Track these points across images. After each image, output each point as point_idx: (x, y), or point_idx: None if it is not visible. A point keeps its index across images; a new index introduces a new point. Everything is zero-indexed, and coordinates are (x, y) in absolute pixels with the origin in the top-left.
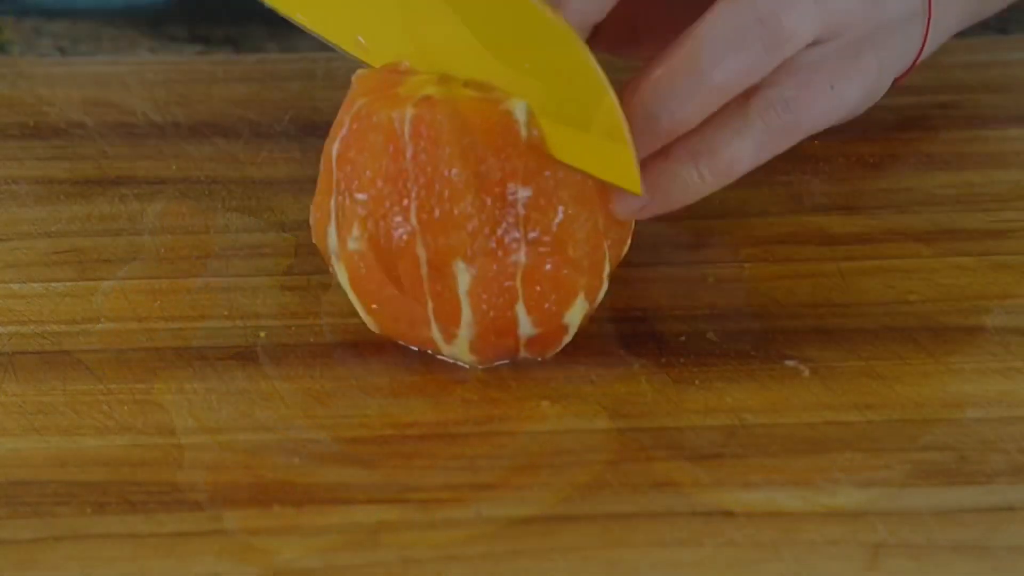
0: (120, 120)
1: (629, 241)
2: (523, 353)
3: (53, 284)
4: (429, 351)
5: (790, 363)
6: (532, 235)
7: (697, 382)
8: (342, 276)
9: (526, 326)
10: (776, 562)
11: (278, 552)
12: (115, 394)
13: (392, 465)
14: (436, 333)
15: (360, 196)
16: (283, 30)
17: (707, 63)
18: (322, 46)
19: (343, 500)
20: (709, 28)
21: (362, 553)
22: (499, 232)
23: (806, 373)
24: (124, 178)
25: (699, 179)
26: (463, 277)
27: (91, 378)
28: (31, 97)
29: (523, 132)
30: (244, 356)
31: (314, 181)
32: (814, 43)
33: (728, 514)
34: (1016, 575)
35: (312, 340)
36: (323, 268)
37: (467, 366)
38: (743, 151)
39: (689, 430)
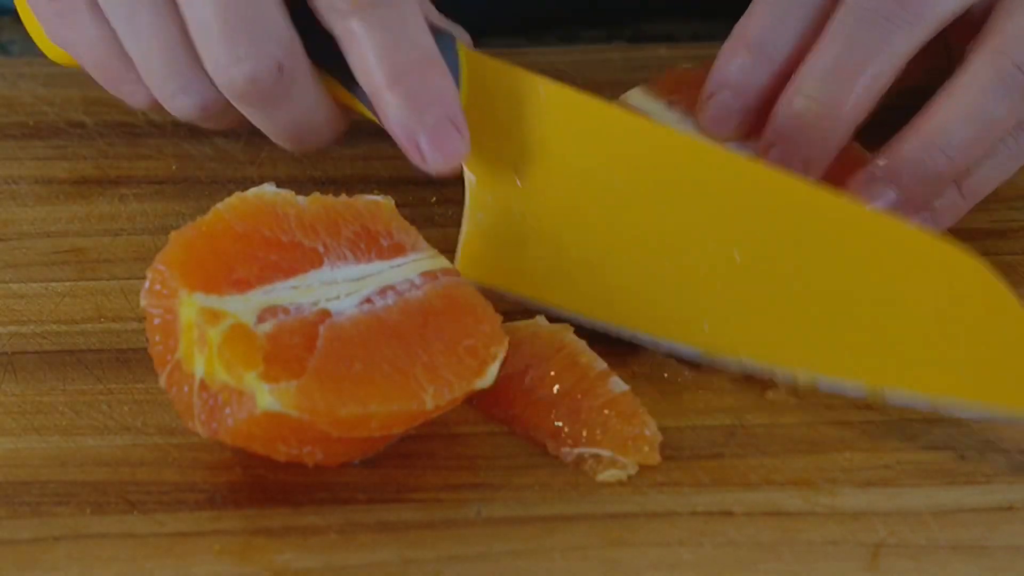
0: (120, 120)
1: None
2: None
3: (53, 284)
4: None
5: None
6: None
7: (697, 382)
8: None
9: None
10: (776, 562)
11: (278, 552)
12: (115, 394)
13: (392, 465)
14: None
15: None
16: None
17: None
18: None
19: (343, 500)
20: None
21: (362, 553)
22: None
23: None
24: (124, 178)
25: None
26: None
27: (91, 378)
28: (31, 97)
29: None
30: None
31: (314, 181)
32: None
33: (728, 514)
34: (1015, 574)
35: None
36: None
37: None
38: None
39: (689, 430)
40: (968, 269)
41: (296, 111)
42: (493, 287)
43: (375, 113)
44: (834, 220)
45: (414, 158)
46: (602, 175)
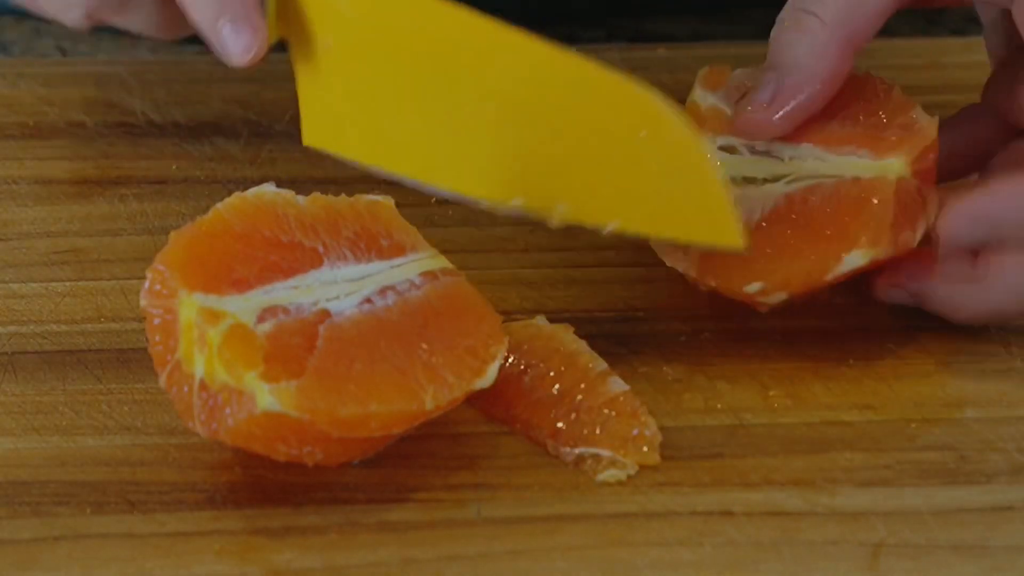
0: (120, 120)
1: None
2: None
3: (53, 284)
4: None
5: (789, 363)
6: None
7: (697, 382)
8: None
9: None
10: (776, 562)
11: (278, 552)
12: (115, 394)
13: (392, 465)
14: None
15: None
16: None
17: None
18: None
19: (343, 500)
20: None
21: (362, 553)
22: None
23: (806, 373)
24: (124, 178)
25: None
26: None
27: (91, 378)
28: (31, 97)
29: None
30: None
31: (314, 181)
32: None
33: (728, 514)
34: (1016, 574)
35: None
36: None
37: None
38: None
39: (689, 430)
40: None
41: (138, 21)
42: (333, 153)
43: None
44: (552, 72)
45: (220, 55)
46: (387, 42)
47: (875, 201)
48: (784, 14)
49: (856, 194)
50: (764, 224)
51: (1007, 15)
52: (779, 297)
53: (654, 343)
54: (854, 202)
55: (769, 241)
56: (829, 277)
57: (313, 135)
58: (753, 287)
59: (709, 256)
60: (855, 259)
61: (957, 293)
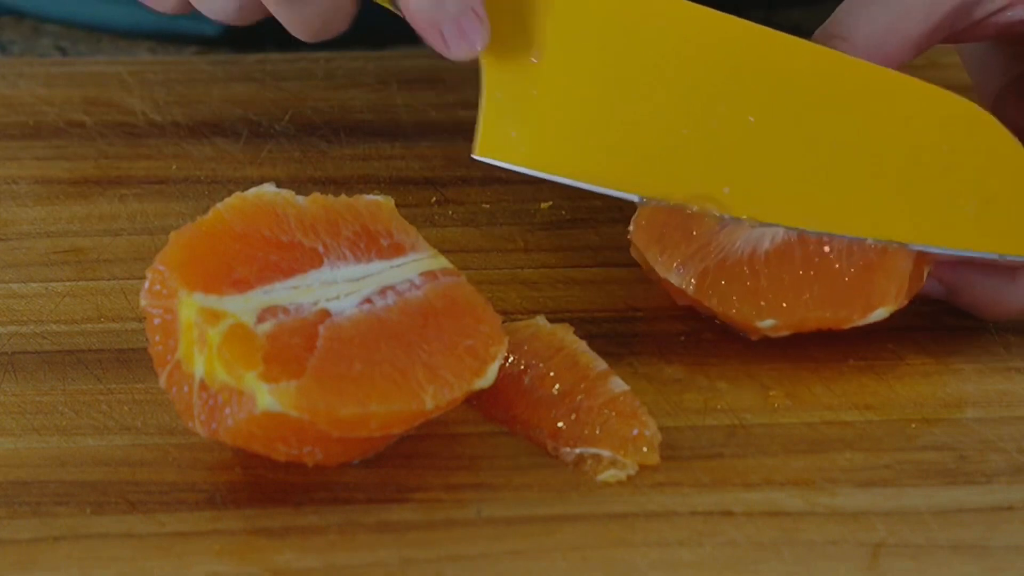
0: (120, 120)
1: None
2: None
3: (53, 284)
4: None
5: (789, 363)
6: None
7: (697, 382)
8: None
9: None
10: (776, 562)
11: (278, 552)
12: (115, 394)
13: (392, 465)
14: None
15: None
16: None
17: None
18: (322, 45)
19: (343, 500)
20: None
21: (362, 553)
22: None
23: (806, 373)
24: (124, 178)
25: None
26: None
27: (91, 378)
28: (31, 97)
29: None
30: None
31: (314, 181)
32: None
33: (728, 514)
34: (1015, 574)
35: None
36: None
37: None
38: None
39: (689, 430)
40: (976, 120)
41: (321, 5)
42: (511, 165)
43: (395, 3)
44: (840, 77)
45: (436, 46)
46: (616, 48)
47: (901, 256)
48: (814, 41)
49: (881, 247)
50: (773, 255)
51: (996, 48)
52: (783, 333)
53: (654, 343)
54: (879, 255)
55: (784, 277)
56: (847, 327)
57: (491, 147)
58: (765, 323)
59: (712, 276)
60: (880, 315)
61: (998, 289)
